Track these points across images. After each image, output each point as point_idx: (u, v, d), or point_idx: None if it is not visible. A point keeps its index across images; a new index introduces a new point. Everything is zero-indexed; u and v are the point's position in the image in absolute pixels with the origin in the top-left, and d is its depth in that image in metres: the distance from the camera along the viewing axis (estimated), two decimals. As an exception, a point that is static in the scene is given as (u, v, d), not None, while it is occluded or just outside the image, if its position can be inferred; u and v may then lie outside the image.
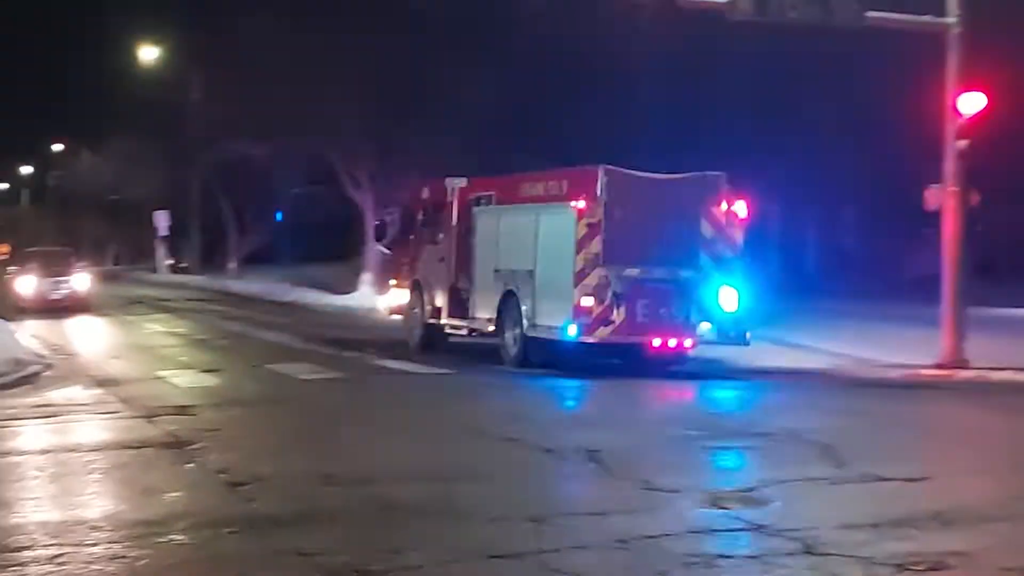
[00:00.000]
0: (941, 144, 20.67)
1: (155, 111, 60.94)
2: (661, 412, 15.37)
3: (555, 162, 25.56)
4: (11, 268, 42.65)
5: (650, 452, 12.10)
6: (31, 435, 13.56)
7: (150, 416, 14.40)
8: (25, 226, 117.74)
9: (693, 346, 19.75)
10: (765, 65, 36.86)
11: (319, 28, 40.71)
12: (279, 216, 61.49)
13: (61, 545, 8.22)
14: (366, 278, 43.63)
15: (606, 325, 18.95)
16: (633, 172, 19.75)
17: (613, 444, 12.20)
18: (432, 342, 23.49)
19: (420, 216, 24.77)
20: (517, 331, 20.35)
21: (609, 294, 18.92)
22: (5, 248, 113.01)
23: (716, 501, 9.49)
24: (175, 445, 12.29)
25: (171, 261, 71.45)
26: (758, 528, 8.65)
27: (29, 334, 27.33)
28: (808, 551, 8.04)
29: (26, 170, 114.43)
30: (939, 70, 20.77)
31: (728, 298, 19.27)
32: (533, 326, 19.91)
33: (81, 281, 37.50)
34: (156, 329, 30.18)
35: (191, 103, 56.04)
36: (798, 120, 38.86)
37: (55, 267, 38.00)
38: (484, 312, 21.46)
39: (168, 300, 44.39)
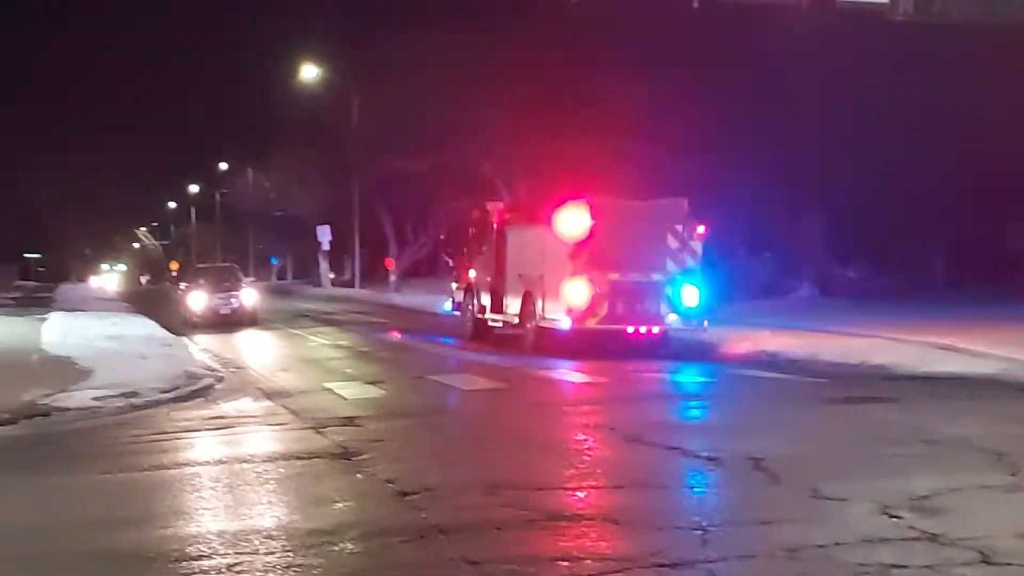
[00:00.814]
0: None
1: (316, 128, 62.14)
2: (824, 420, 15.09)
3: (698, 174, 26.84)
4: (182, 284, 43.97)
5: (816, 460, 11.90)
6: (206, 446, 13.93)
7: (318, 427, 14.68)
8: (194, 243, 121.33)
9: (661, 332, 24.78)
10: (920, 64, 36.10)
11: (476, 43, 41.10)
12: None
13: (238, 554, 8.45)
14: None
15: (592, 317, 24.18)
16: (613, 199, 25.10)
17: (776, 451, 12.05)
18: (480, 333, 28.99)
19: (471, 232, 30.31)
20: (533, 323, 25.81)
21: (594, 293, 24.06)
22: (175, 265, 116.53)
23: (887, 509, 9.30)
24: (344, 456, 12.50)
25: (333, 275, 72.79)
26: (932, 537, 8.45)
27: (200, 348, 28.14)
28: (985, 561, 7.84)
29: (193, 189, 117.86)
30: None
31: (689, 295, 24.54)
32: (543, 319, 25.29)
33: (248, 296, 38.44)
34: (321, 342, 30.74)
35: (351, 120, 57.04)
36: (952, 121, 37.96)
37: (223, 283, 39.06)
38: (512, 308, 27.00)
39: (331, 313, 45.24)
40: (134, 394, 18.02)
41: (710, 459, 11.81)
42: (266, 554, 8.43)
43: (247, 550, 8.55)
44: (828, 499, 9.80)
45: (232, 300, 37.79)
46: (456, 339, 29.35)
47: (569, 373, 21.08)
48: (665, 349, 24.80)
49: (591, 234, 24.21)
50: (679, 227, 24.57)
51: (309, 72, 60.62)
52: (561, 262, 24.49)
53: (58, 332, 30.95)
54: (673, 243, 24.53)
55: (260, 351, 28.80)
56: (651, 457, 12.40)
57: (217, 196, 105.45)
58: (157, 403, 17.69)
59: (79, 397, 17.60)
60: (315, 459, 12.39)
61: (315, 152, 65.52)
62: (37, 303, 55.36)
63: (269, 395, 18.71)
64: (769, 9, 27.32)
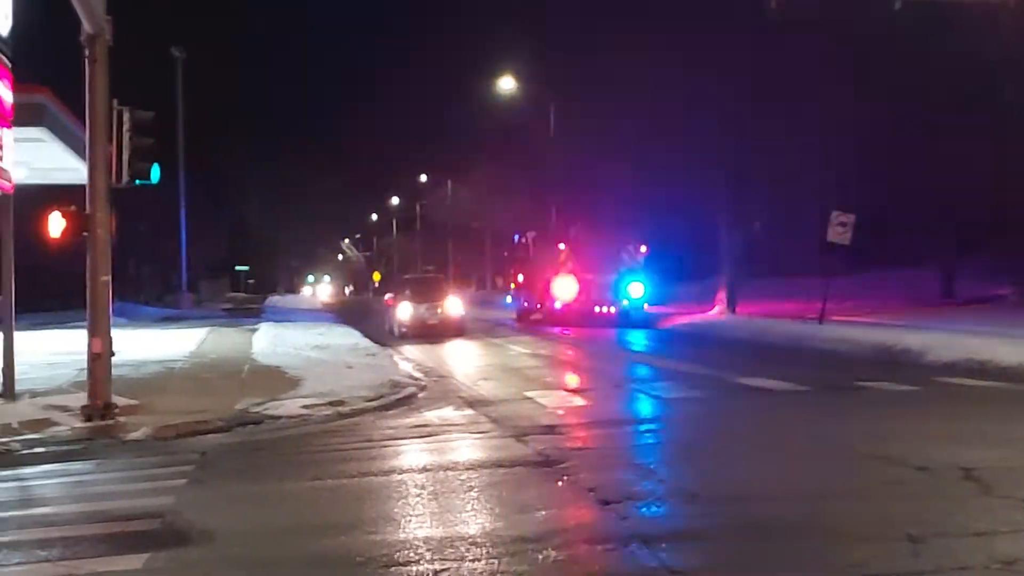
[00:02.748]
0: None
1: (514, 140, 62.65)
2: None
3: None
4: (388, 295, 44.78)
5: (1031, 470, 11.53)
6: (411, 454, 14.17)
7: (520, 435, 14.82)
8: (395, 254, 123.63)
9: (617, 311, 42.05)
10: None
11: (673, 50, 40.85)
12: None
13: (443, 560, 8.59)
14: (721, 296, 43.53)
15: (574, 302, 42.07)
16: (588, 230, 43.43)
17: (988, 461, 11.70)
18: (524, 316, 46.77)
19: (519, 252, 51.47)
20: (545, 306, 43.52)
21: (576, 286, 42.17)
22: (377, 276, 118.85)
23: (1108, 522, 8.98)
24: (546, 464, 12.58)
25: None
26: None
27: (403, 357, 28.65)
28: None
29: (394, 201, 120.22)
30: None
31: (635, 288, 42.19)
32: (549, 303, 42.96)
33: (454, 306, 38.79)
34: (521, 351, 30.95)
35: (548, 130, 57.36)
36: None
37: (429, 293, 39.50)
38: (537, 298, 44.97)
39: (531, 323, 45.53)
40: (341, 403, 18.47)
41: (919, 468, 11.52)
42: (472, 560, 8.55)
43: (453, 556, 8.69)
44: (1045, 511, 9.49)
45: (439, 310, 38.24)
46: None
47: (770, 382, 20.78)
48: (622, 322, 41.00)
49: (572, 251, 42.81)
50: (630, 247, 42.70)
51: (507, 84, 61.19)
52: (557, 268, 42.88)
53: (267, 342, 31.94)
54: (625, 256, 42.50)
55: (460, 360, 29.13)
56: (857, 465, 12.14)
57: (418, 208, 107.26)
58: (363, 411, 18.09)
59: (289, 406, 18.12)
60: (517, 467, 12.51)
61: (512, 163, 66.07)
62: (247, 314, 57.23)
63: (471, 404, 18.96)
64: (973, 7, 26.56)
